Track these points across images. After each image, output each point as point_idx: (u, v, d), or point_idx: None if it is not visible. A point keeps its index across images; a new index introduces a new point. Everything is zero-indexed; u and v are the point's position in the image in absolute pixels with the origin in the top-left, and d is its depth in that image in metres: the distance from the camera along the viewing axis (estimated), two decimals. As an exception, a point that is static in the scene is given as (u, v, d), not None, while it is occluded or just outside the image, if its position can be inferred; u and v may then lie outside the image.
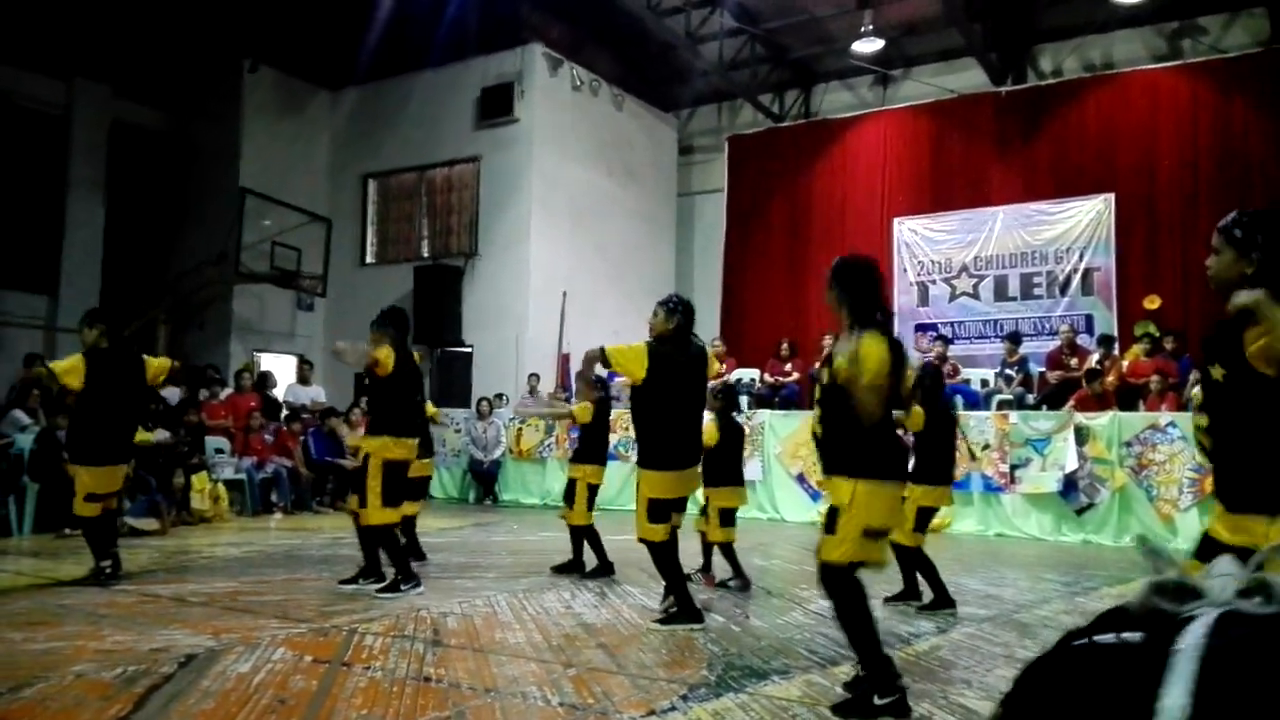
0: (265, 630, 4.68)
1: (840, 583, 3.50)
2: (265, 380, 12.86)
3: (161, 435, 9.78)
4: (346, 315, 15.25)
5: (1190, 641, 0.67)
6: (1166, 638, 0.69)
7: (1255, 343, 2.43)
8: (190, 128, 15.53)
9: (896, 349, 3.57)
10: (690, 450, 5.00)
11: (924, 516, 5.48)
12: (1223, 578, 0.73)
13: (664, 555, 4.90)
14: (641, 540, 4.93)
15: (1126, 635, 0.72)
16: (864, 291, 3.62)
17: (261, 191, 14.62)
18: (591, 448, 6.93)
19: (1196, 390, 2.85)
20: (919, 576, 5.51)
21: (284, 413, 12.54)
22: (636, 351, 4.86)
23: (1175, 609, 0.71)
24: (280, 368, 14.67)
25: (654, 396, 4.88)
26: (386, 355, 5.77)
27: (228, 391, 12.24)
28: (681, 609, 4.88)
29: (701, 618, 4.88)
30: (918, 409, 5.32)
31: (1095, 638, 0.73)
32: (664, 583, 5.01)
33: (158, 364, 6.58)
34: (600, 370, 5.76)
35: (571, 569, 6.63)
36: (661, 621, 4.89)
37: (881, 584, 5.92)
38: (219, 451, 10.95)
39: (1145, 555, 0.79)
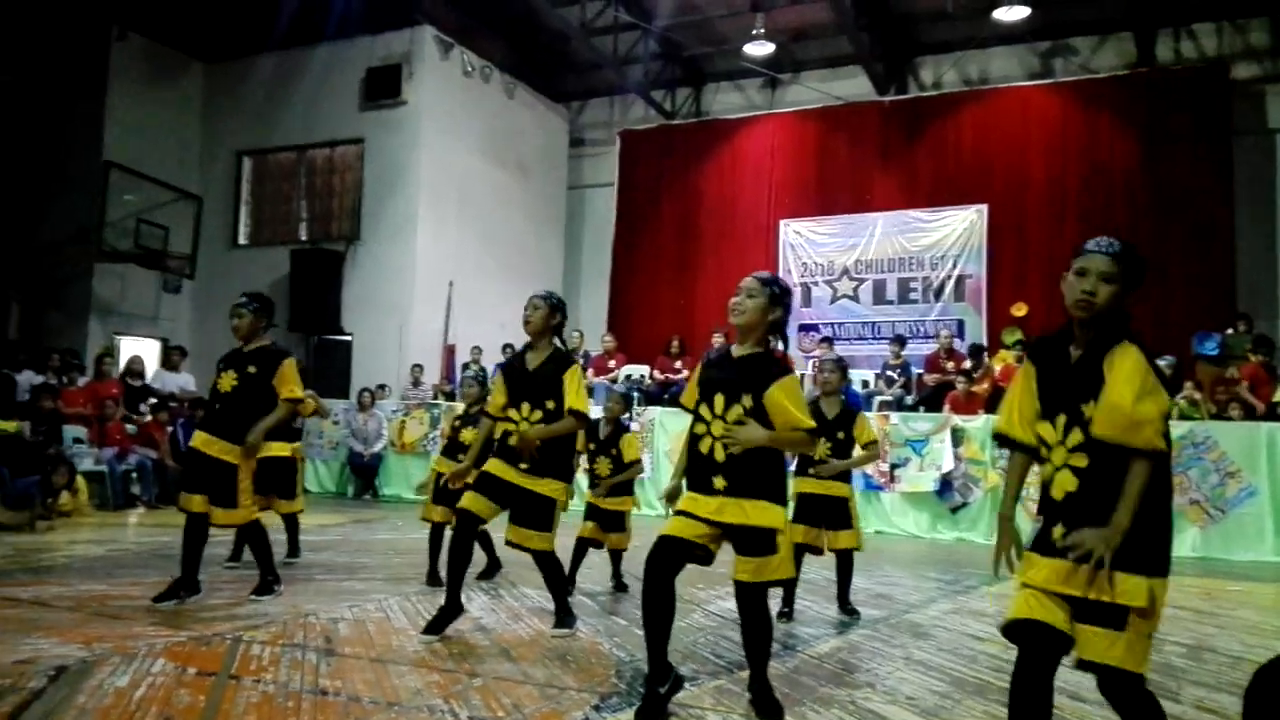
0: (141, 638, 4.38)
1: (764, 604, 3.47)
2: (133, 366, 12.11)
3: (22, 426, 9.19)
4: (216, 298, 14.54)
5: None
6: None
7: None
8: (52, 96, 14.48)
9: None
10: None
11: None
12: None
13: (552, 562, 4.76)
14: (520, 547, 4.66)
15: None
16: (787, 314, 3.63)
17: (128, 166, 13.83)
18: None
19: None
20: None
21: (151, 400, 11.86)
22: (581, 381, 4.72)
23: None
24: (143, 352, 13.91)
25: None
26: (294, 369, 5.35)
27: (86, 378, 11.50)
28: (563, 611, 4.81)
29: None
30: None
31: None
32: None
33: None
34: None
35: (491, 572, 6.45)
36: (557, 627, 4.79)
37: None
38: (78, 441, 10.28)
39: None
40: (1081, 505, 2.47)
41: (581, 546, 6.11)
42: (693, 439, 3.54)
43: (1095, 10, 13.87)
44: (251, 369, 5.24)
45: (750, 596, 3.43)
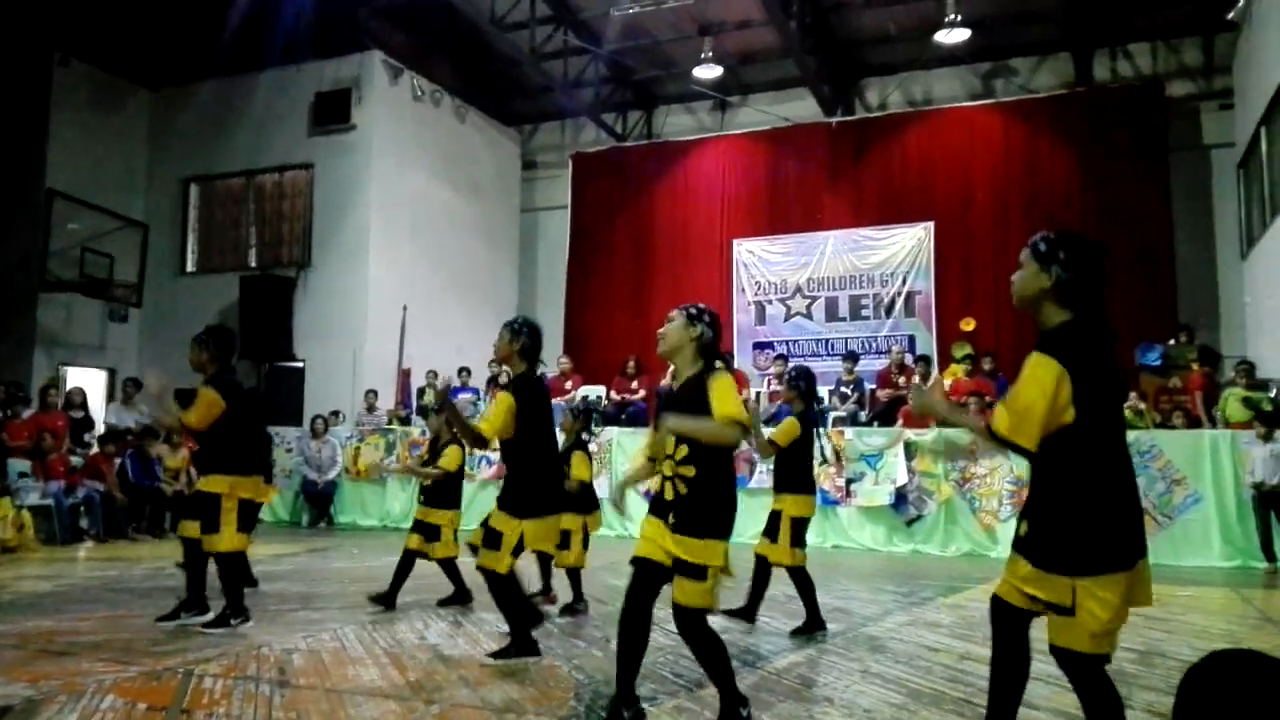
0: (89, 675, 4.29)
1: (702, 627, 3.45)
2: (73, 398, 11.87)
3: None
4: (164, 326, 14.36)
5: None
6: None
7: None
8: (-8, 123, 14.22)
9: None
10: (559, 493, 4.80)
11: (799, 530, 5.46)
12: None
13: (506, 587, 4.62)
14: (481, 568, 4.58)
15: None
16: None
17: (71, 194, 13.61)
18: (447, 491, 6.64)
19: None
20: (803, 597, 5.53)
21: (97, 432, 11.63)
22: (505, 409, 4.48)
23: None
24: (89, 382, 13.65)
25: (523, 439, 4.59)
26: (210, 403, 5.36)
27: (30, 411, 11.24)
28: (517, 641, 4.61)
29: (537, 650, 4.63)
30: (790, 420, 5.42)
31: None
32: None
33: None
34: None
35: (456, 600, 6.38)
36: (495, 655, 4.60)
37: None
38: (22, 475, 10.03)
39: None
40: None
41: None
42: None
43: (1034, 32, 14.23)
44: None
45: (684, 620, 3.42)
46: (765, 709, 3.82)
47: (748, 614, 5.68)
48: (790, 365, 8.18)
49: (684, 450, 3.41)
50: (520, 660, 4.55)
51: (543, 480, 4.64)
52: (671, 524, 3.41)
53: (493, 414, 4.53)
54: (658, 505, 3.50)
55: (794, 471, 5.53)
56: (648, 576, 3.44)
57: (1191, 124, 13.72)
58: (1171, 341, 11.56)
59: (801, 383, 5.63)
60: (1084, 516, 2.62)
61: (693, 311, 3.58)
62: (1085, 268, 2.81)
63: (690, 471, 3.38)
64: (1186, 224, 13.19)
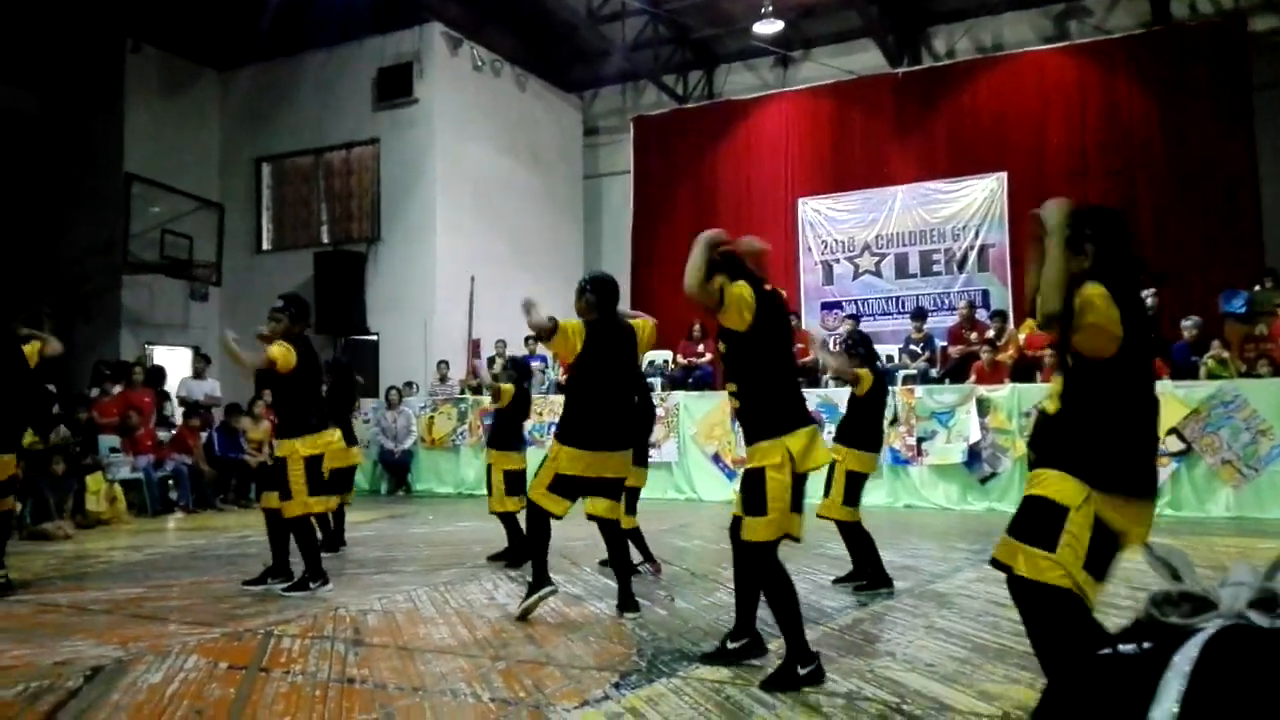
0: (175, 637, 4.49)
1: (768, 560, 3.56)
2: (156, 375, 12.34)
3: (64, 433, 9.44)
4: (243, 304, 14.74)
5: (1185, 655, 0.69)
6: (1168, 650, 0.70)
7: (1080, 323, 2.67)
8: (71, 111, 14.70)
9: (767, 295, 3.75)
10: (614, 432, 4.88)
11: (854, 485, 5.39)
12: (1236, 587, 0.73)
13: (537, 526, 4.78)
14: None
15: (1141, 646, 0.73)
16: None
17: (149, 177, 14.02)
18: (506, 434, 6.84)
19: None
20: (852, 552, 5.51)
21: (178, 408, 12.07)
22: (573, 330, 4.78)
23: (1185, 621, 0.72)
24: (174, 361, 14.14)
25: (583, 374, 4.85)
26: (283, 353, 5.51)
27: (119, 387, 11.70)
28: (536, 580, 4.81)
29: (548, 581, 4.80)
30: (865, 372, 5.41)
31: (1119, 647, 0.75)
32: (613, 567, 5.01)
33: (29, 349, 6.09)
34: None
35: (505, 557, 6.54)
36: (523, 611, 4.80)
37: (827, 566, 6.03)
38: (113, 450, 10.47)
39: (1152, 564, 0.79)
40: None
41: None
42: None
43: (1109, -32, 13.66)
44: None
45: (749, 555, 3.65)
46: (827, 663, 3.82)
47: (868, 578, 5.49)
48: (846, 330, 8.05)
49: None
50: (538, 595, 4.80)
51: (590, 416, 4.80)
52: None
53: (568, 330, 4.76)
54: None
55: (860, 426, 5.49)
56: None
57: (1276, 60, 13.00)
58: (1257, 288, 11.07)
59: (860, 348, 5.60)
60: (1117, 436, 2.70)
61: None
62: (1114, 236, 2.84)
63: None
64: (1272, 165, 12.56)
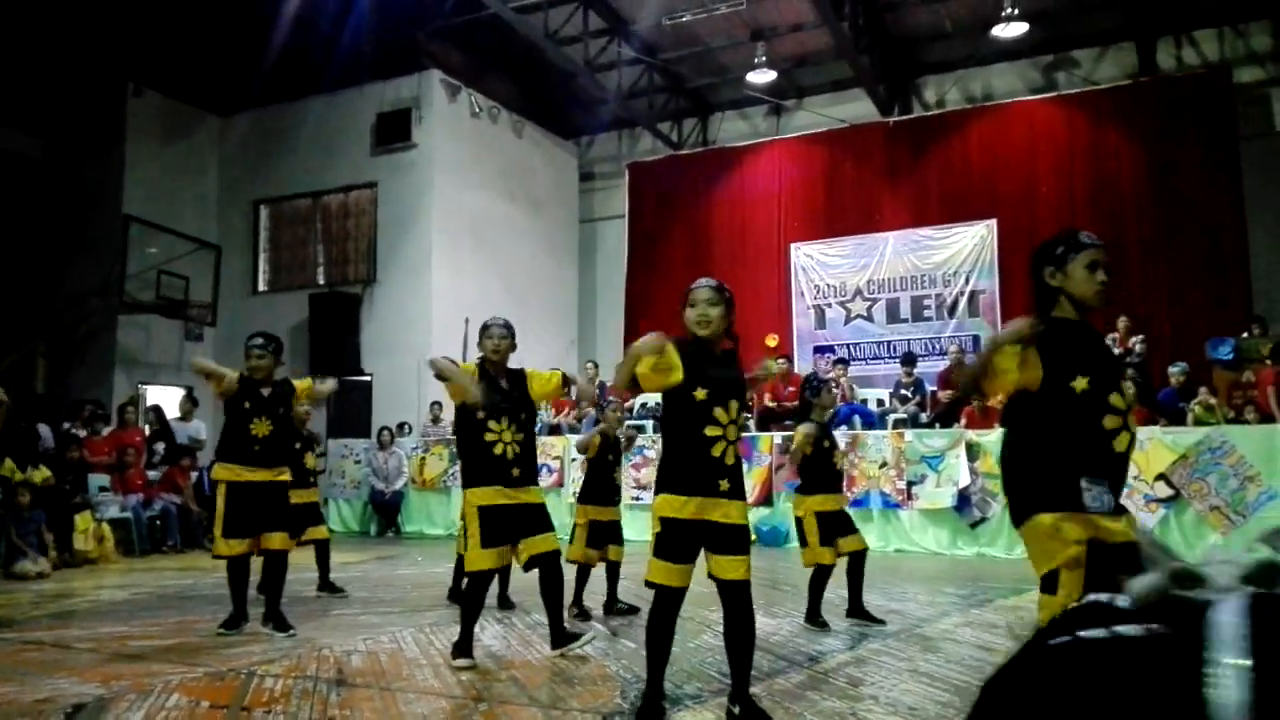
0: (158, 676, 4.47)
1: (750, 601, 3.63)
2: (158, 415, 12.39)
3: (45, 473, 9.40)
4: (237, 344, 14.66)
5: (1228, 625, 0.62)
6: (1192, 625, 0.64)
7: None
8: (70, 154, 14.89)
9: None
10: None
11: (823, 526, 5.58)
12: (1223, 564, 0.69)
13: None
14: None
15: (1126, 628, 0.68)
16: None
17: (147, 219, 14.16)
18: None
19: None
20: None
21: (158, 446, 12.11)
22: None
23: (1195, 596, 0.66)
24: (168, 400, 14.14)
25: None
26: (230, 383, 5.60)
27: (110, 428, 11.72)
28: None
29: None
30: (803, 429, 5.64)
31: (1081, 633, 0.69)
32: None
33: None
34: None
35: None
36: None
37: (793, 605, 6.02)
38: (103, 490, 10.46)
39: (1149, 550, 0.75)
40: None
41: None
42: (702, 440, 3.52)
43: (1094, 22, 13.94)
44: (281, 410, 5.75)
45: (744, 594, 3.55)
46: (808, 706, 3.83)
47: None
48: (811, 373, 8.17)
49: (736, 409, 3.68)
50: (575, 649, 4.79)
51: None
52: (726, 491, 3.58)
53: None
54: (712, 473, 3.60)
55: (810, 474, 5.71)
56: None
57: (1261, 110, 13.29)
58: (1244, 335, 11.20)
59: (808, 391, 5.83)
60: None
61: (729, 297, 3.70)
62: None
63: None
64: (1259, 214, 12.75)
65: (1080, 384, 2.83)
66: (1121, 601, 0.70)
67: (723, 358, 3.67)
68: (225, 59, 14.55)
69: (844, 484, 6.45)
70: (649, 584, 3.62)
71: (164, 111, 15.21)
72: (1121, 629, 0.67)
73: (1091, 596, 0.72)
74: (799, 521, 5.68)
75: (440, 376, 4.76)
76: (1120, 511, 2.82)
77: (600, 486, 6.23)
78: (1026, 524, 2.87)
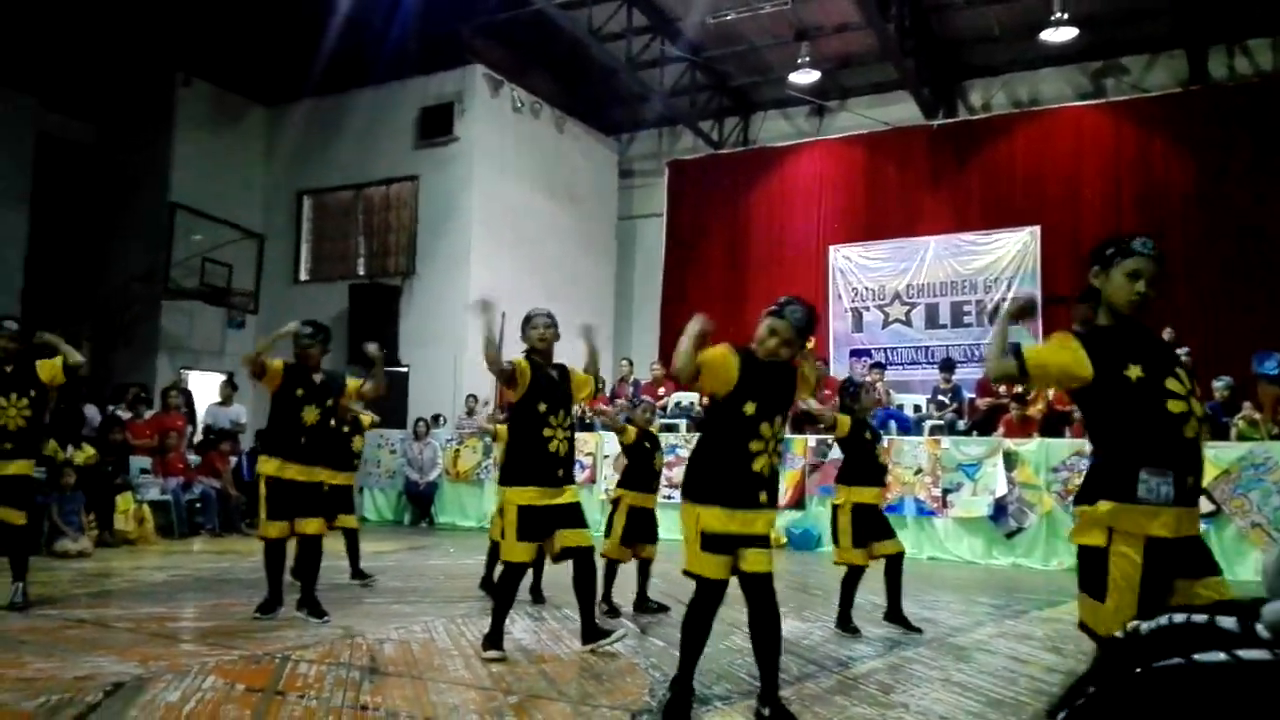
0: (195, 657, 4.55)
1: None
2: (186, 400, 12.59)
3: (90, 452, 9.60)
4: (279, 333, 14.94)
5: None
6: None
7: None
8: (121, 141, 15.17)
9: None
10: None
11: (859, 522, 5.56)
12: None
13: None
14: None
15: (1251, 653, 0.67)
16: None
17: (193, 207, 14.37)
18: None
19: None
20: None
21: (198, 433, 12.30)
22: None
23: None
24: (207, 386, 14.36)
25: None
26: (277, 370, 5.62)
27: (153, 411, 11.91)
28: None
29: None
30: (843, 417, 5.57)
31: (1196, 657, 0.68)
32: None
33: (49, 365, 5.95)
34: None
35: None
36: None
37: (825, 610, 6.00)
38: (144, 472, 10.64)
39: (1272, 579, 0.74)
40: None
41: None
42: (745, 455, 3.54)
43: (1144, 28, 13.70)
44: (329, 402, 5.82)
45: (768, 586, 3.60)
46: (837, 712, 3.81)
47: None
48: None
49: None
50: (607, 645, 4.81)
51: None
52: (765, 502, 3.66)
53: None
54: (753, 485, 3.63)
55: (851, 465, 5.68)
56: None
57: (1315, 121, 12.98)
58: (1293, 349, 10.96)
59: (845, 396, 5.80)
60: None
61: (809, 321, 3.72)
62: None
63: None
64: (1311, 226, 12.47)
65: (1134, 371, 2.77)
66: (1226, 623, 0.68)
67: (778, 369, 3.65)
68: (274, 51, 14.73)
69: (886, 478, 6.42)
70: (688, 574, 3.65)
71: (212, 101, 15.43)
72: (1245, 653, 0.66)
73: (1179, 616, 0.71)
74: (835, 512, 5.65)
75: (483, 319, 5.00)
76: (1191, 501, 2.79)
77: (640, 474, 6.26)
78: (1080, 507, 2.86)
